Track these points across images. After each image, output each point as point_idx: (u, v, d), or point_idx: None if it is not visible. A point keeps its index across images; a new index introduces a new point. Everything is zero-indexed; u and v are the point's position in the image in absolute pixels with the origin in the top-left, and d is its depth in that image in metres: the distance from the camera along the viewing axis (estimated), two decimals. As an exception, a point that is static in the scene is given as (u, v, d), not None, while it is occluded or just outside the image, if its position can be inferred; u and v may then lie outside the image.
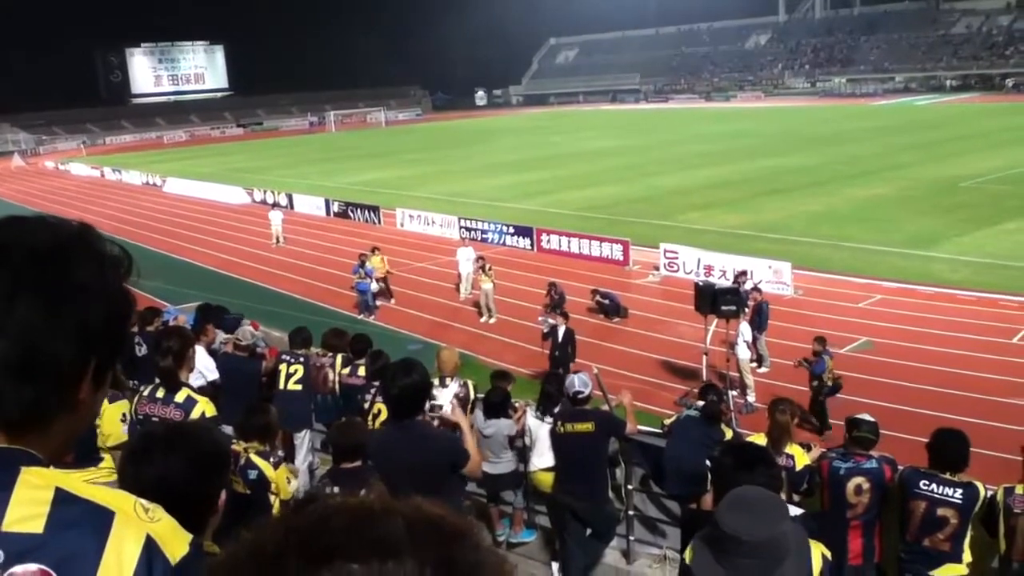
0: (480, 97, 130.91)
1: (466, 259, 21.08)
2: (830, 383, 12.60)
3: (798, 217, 27.93)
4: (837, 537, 5.84)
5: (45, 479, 1.10)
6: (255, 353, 9.33)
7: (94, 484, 1.18)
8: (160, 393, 5.53)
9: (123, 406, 5.53)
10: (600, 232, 25.35)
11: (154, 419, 5.41)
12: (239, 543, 0.75)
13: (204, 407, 5.51)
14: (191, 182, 46.58)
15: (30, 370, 1.10)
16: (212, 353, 9.01)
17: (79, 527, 1.07)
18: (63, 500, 1.08)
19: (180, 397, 5.49)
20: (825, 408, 12.40)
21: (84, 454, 5.46)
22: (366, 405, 7.68)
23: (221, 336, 10.11)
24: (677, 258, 21.87)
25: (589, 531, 7.30)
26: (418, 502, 0.76)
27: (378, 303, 20.38)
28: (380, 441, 5.24)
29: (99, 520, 1.09)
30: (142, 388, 5.82)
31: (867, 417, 6.17)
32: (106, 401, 5.42)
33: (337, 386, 9.17)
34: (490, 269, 19.29)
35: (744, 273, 17.44)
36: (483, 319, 19.09)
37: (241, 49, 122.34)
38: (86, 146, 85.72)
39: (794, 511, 5.49)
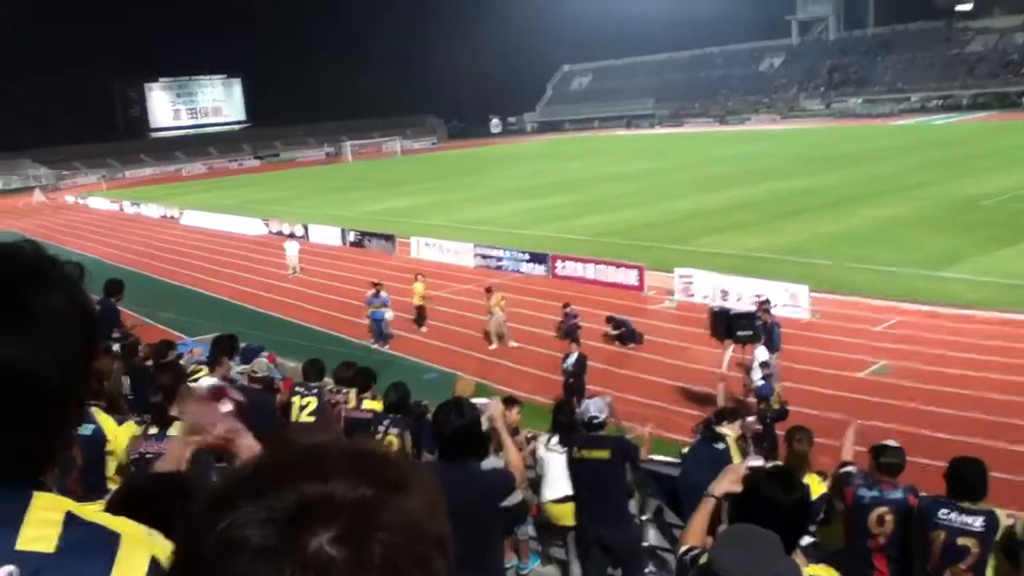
0: (495, 125, 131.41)
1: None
2: (777, 407, 12.67)
3: (816, 238, 27.76)
4: (859, 567, 5.74)
5: (55, 504, 1.15)
6: (271, 386, 9.34)
7: (100, 512, 1.24)
8: (153, 430, 5.55)
9: (131, 427, 5.57)
10: (617, 257, 25.27)
11: (148, 456, 5.44)
12: (217, 480, 0.86)
13: None
14: (208, 214, 46.99)
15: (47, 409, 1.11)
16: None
17: (88, 548, 1.13)
18: (72, 523, 1.13)
19: (174, 431, 5.50)
20: (773, 432, 12.23)
21: (93, 484, 5.50)
22: (378, 437, 7.65)
23: (236, 368, 10.12)
24: (692, 283, 21.73)
25: (615, 565, 7.19)
26: (349, 439, 0.89)
27: (396, 332, 20.41)
28: None
29: (106, 542, 1.15)
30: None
31: (892, 443, 6.14)
32: (113, 423, 5.46)
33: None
34: (502, 299, 19.27)
35: (767, 301, 17.02)
36: (492, 346, 19.06)
37: (258, 82, 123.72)
38: (106, 180, 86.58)
39: (804, 539, 5.42)
